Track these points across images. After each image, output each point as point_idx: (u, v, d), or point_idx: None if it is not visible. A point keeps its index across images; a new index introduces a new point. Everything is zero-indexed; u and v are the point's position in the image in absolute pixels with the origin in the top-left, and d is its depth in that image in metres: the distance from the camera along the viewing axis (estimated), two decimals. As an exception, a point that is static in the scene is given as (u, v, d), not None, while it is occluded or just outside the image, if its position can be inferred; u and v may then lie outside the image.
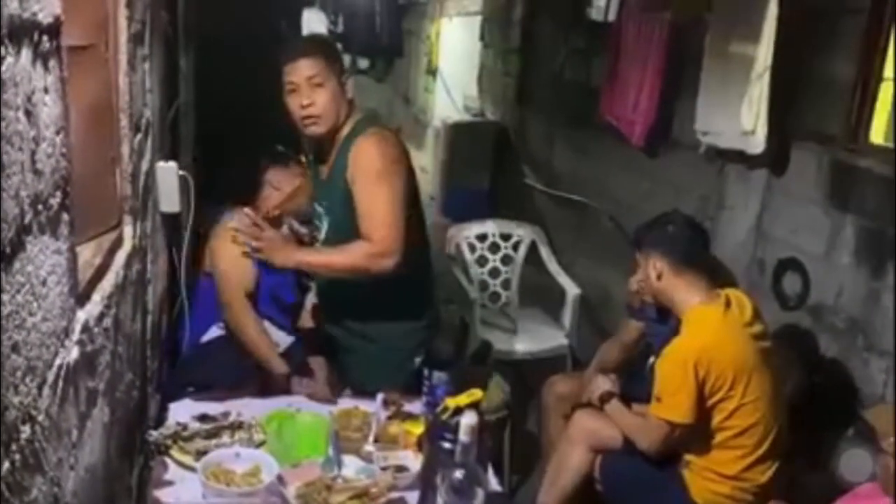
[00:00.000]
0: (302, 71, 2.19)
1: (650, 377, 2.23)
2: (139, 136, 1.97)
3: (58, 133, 1.16)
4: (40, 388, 1.10)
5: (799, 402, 2.47)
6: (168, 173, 2.31)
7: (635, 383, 2.44)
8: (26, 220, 1.02)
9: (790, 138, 3.03)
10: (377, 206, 2.16)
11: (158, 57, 2.30)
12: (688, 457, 2.23)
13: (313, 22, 5.25)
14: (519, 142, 5.30)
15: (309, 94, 2.19)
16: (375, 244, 2.15)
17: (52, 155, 1.14)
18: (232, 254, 2.40)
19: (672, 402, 2.13)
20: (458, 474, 1.51)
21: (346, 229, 2.22)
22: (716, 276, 2.32)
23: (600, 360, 2.82)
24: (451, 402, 1.73)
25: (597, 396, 2.40)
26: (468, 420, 1.51)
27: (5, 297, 0.95)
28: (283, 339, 2.54)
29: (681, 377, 2.11)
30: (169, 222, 2.46)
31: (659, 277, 2.25)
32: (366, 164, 2.19)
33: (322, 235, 2.38)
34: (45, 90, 1.09)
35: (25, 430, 1.04)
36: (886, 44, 2.71)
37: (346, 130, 2.26)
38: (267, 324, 2.50)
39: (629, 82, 3.79)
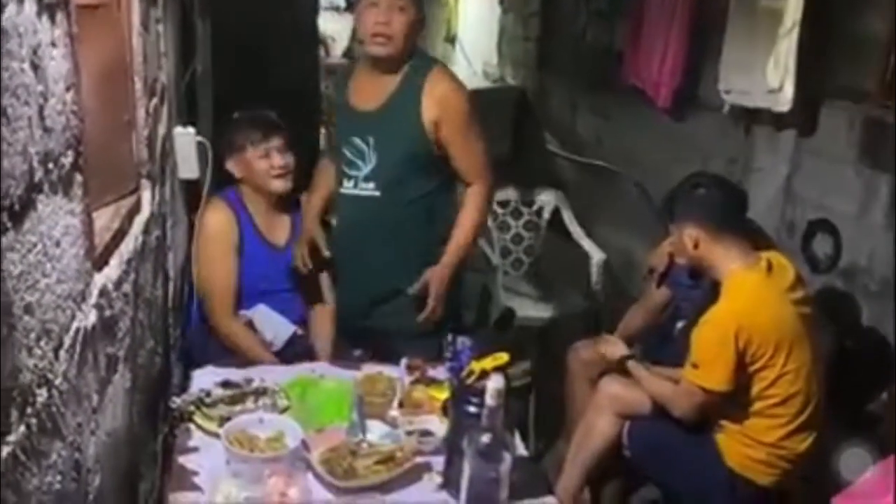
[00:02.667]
0: None
1: (680, 341, 2.17)
2: (154, 99, 1.94)
3: (68, 90, 1.13)
4: (56, 351, 1.08)
5: (832, 367, 2.40)
6: (185, 139, 2.28)
7: (664, 347, 2.40)
8: (36, 178, 0.99)
9: (820, 96, 2.94)
10: (479, 148, 2.29)
11: (173, 20, 2.26)
12: (723, 422, 2.17)
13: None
14: (540, 107, 5.22)
15: (388, 14, 2.14)
16: (486, 187, 2.31)
17: (63, 112, 1.11)
18: (217, 255, 2.32)
19: (709, 370, 2.06)
20: (485, 438, 1.48)
21: (401, 167, 2.21)
22: (755, 237, 2.22)
23: (625, 326, 2.77)
24: (477, 366, 1.69)
25: (614, 359, 2.36)
26: (495, 383, 1.47)
27: (16, 257, 0.92)
28: (283, 331, 2.37)
29: (720, 345, 2.03)
30: (188, 189, 2.44)
31: (696, 246, 2.13)
32: (458, 105, 2.23)
33: (364, 172, 2.24)
34: (53, 44, 1.06)
35: (42, 394, 1.02)
36: (925, -4, 2.60)
37: (407, 65, 2.22)
38: (263, 309, 2.37)
39: (654, 43, 3.70)
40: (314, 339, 2.47)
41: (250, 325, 2.36)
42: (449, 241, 2.28)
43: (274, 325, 2.37)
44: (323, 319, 2.49)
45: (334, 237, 2.38)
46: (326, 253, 2.33)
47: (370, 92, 2.25)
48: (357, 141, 2.25)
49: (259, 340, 2.34)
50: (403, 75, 2.22)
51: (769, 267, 2.11)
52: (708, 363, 2.07)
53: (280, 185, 2.38)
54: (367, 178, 2.25)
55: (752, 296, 2.08)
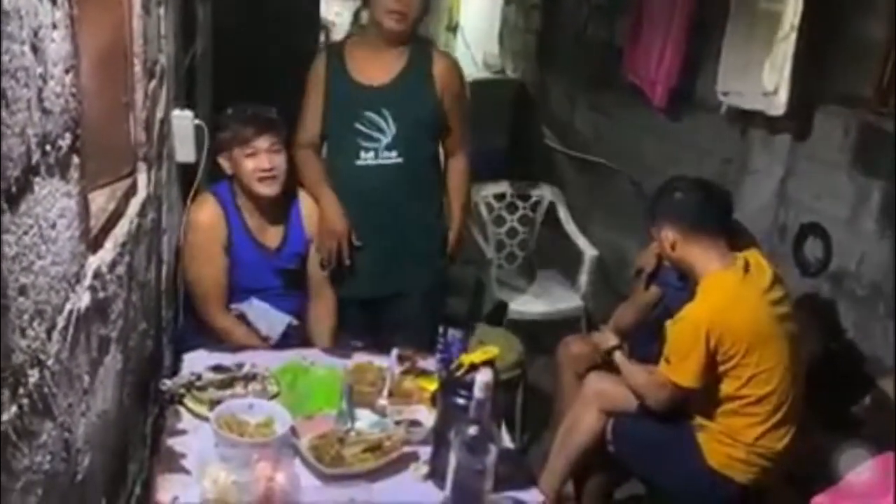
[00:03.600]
0: None
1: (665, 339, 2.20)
2: (153, 82, 1.94)
3: (67, 72, 1.13)
4: (49, 332, 1.09)
5: (816, 370, 2.43)
6: (183, 122, 2.28)
7: (652, 345, 2.42)
8: (34, 161, 1.00)
9: (815, 101, 2.96)
10: (465, 122, 2.54)
11: (174, 3, 2.26)
12: (703, 421, 2.21)
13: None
14: (539, 101, 5.22)
15: None
16: (468, 156, 2.59)
17: (62, 95, 1.11)
18: (205, 254, 2.27)
19: (680, 367, 2.11)
20: (472, 430, 1.49)
21: (417, 134, 2.44)
22: (737, 239, 2.26)
23: (615, 323, 2.79)
24: (467, 359, 1.71)
25: (604, 349, 2.40)
26: (483, 377, 1.49)
27: (11, 239, 0.93)
28: (278, 323, 2.35)
29: (691, 343, 2.08)
30: (184, 172, 2.43)
31: (672, 247, 2.20)
32: (459, 79, 2.53)
33: (385, 141, 2.40)
34: (54, 26, 1.06)
35: (34, 375, 1.03)
36: (924, 3, 2.61)
37: (411, 43, 2.44)
38: (255, 302, 2.33)
39: (653, 41, 3.70)
40: (312, 332, 2.43)
41: (243, 318, 2.32)
42: (451, 202, 2.59)
43: (268, 317, 2.34)
44: (322, 313, 2.45)
45: (352, 211, 2.43)
46: (358, 243, 2.44)
47: (378, 68, 2.42)
48: (370, 115, 2.40)
49: (252, 333, 2.31)
50: (411, 52, 2.43)
51: (746, 267, 2.14)
52: (679, 360, 2.11)
53: (264, 189, 2.27)
54: (388, 147, 2.41)
55: (725, 296, 2.12)
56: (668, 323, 2.21)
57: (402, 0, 2.33)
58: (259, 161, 2.25)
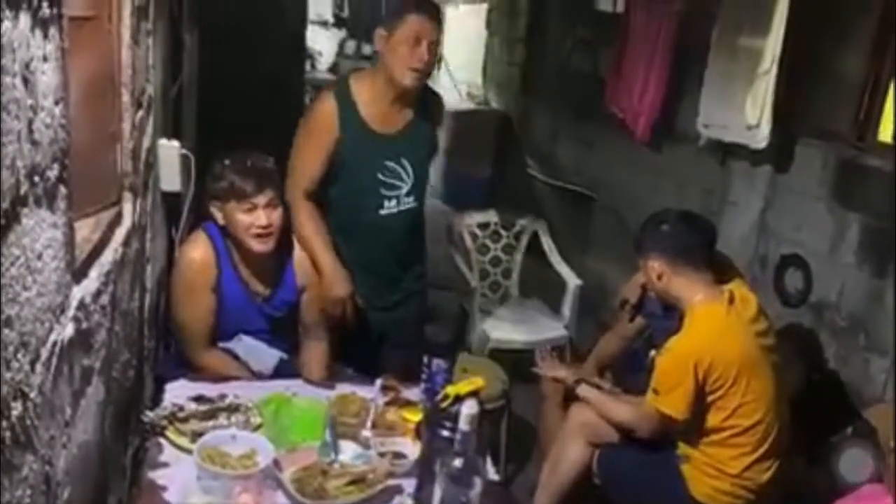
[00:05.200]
0: (429, 34, 2.32)
1: (651, 370, 2.21)
2: (141, 112, 1.94)
3: (56, 103, 1.14)
4: (33, 364, 1.08)
5: (798, 401, 2.45)
6: (170, 152, 2.28)
7: (636, 375, 2.42)
8: (22, 192, 1.00)
9: (795, 134, 3.01)
10: None
11: (162, 33, 2.27)
12: (688, 452, 2.21)
13: (319, 5, 5.21)
14: (522, 131, 5.27)
15: (429, 50, 2.32)
16: None
17: (51, 126, 1.12)
18: (195, 293, 2.20)
19: (668, 398, 2.12)
20: (457, 463, 1.49)
21: (425, 175, 2.57)
22: (721, 270, 2.28)
23: (599, 353, 2.80)
24: (452, 390, 1.71)
25: (568, 385, 2.42)
26: (469, 409, 1.49)
27: (-1, 270, 0.92)
28: (269, 359, 2.30)
29: (679, 375, 2.09)
30: (169, 201, 2.43)
31: (659, 278, 2.21)
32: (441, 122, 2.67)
33: (405, 188, 2.47)
34: (45, 58, 1.07)
35: (17, 407, 1.01)
36: (898, 41, 2.68)
37: None
38: (246, 339, 2.29)
39: (635, 74, 3.76)
40: (303, 372, 2.34)
41: (232, 355, 2.28)
42: None
43: (258, 354, 2.29)
44: (315, 355, 2.38)
45: (374, 257, 2.49)
46: (362, 305, 2.47)
47: (391, 117, 2.43)
48: (391, 164, 2.43)
49: (238, 365, 2.27)
50: (418, 97, 2.46)
51: (731, 299, 2.16)
52: (667, 391, 2.13)
53: (259, 246, 2.16)
54: (408, 194, 2.49)
55: (712, 328, 2.14)
56: (654, 354, 2.22)
57: (426, 59, 2.31)
58: (256, 217, 2.14)
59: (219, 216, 2.19)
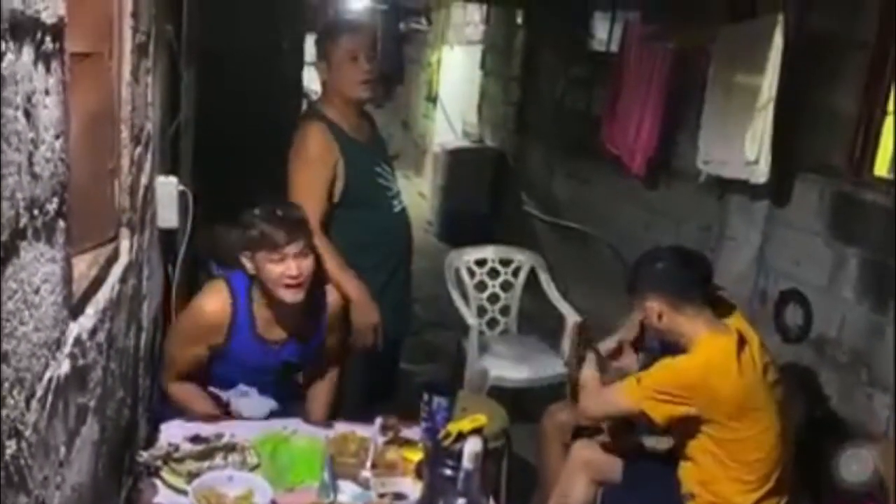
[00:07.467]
0: (363, 48, 2.51)
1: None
2: (139, 148, 1.94)
3: (57, 137, 1.13)
4: (28, 401, 1.05)
5: (800, 438, 2.42)
6: (168, 188, 2.27)
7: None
8: (21, 225, 0.98)
9: (793, 170, 3.03)
10: None
11: (161, 70, 2.28)
12: (693, 489, 2.17)
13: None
14: (518, 169, 5.30)
15: (371, 64, 2.51)
16: None
17: (51, 159, 1.11)
18: (191, 342, 2.18)
19: (653, 403, 2.10)
20: (461, 502, 1.46)
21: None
22: (719, 304, 2.27)
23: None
24: (454, 428, 1.68)
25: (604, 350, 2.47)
26: (472, 446, 1.46)
27: (-4, 304, 0.90)
28: (260, 408, 2.25)
29: (674, 392, 2.08)
30: (165, 238, 2.42)
31: (659, 318, 2.18)
32: None
33: (394, 190, 2.64)
34: (46, 92, 1.06)
35: (11, 446, 0.99)
36: (892, 78, 2.71)
37: None
38: (242, 388, 2.25)
39: (630, 112, 3.80)
40: (308, 408, 2.33)
41: (221, 402, 2.25)
42: None
43: (252, 404, 2.24)
44: (323, 389, 2.37)
45: (398, 258, 2.66)
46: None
47: (362, 129, 2.61)
48: (380, 170, 2.60)
49: (205, 402, 2.22)
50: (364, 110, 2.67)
51: (739, 338, 2.14)
52: (654, 395, 2.10)
53: (289, 297, 2.10)
54: (396, 196, 2.66)
55: (719, 359, 2.11)
56: (658, 357, 2.21)
57: (368, 69, 2.50)
58: (287, 267, 2.08)
59: (249, 266, 2.13)
